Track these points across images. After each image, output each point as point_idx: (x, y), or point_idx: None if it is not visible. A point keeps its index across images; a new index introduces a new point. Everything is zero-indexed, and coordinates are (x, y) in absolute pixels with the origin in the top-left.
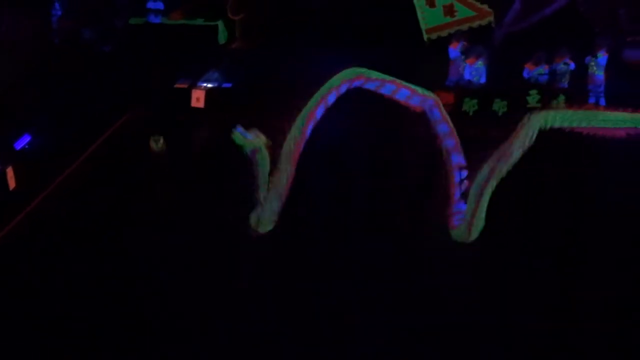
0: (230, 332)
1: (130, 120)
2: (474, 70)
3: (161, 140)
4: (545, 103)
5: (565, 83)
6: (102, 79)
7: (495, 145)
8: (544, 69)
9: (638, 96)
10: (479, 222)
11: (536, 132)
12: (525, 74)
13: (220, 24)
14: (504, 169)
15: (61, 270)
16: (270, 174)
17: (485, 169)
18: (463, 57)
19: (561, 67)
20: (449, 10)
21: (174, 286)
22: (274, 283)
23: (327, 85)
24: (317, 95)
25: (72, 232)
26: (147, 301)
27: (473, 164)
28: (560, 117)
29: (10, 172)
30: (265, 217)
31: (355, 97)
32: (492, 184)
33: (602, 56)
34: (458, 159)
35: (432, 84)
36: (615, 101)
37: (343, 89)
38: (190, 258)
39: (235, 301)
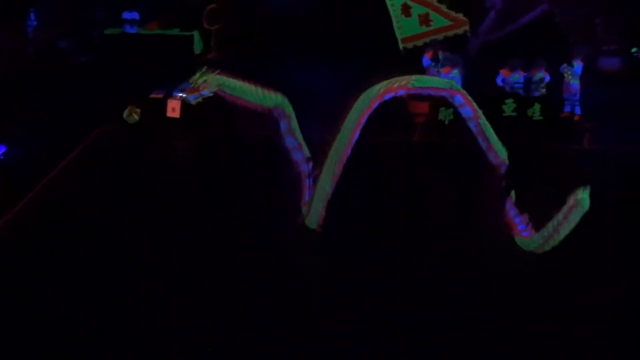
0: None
1: (106, 131)
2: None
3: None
4: (521, 112)
5: (540, 92)
6: (78, 89)
7: (471, 154)
8: (519, 74)
9: (613, 104)
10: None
11: None
12: (499, 80)
13: (196, 34)
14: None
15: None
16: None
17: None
18: (433, 64)
19: (536, 76)
20: (425, 20)
21: (156, 293)
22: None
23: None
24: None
25: (48, 242)
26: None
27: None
28: None
29: None
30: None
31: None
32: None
33: (578, 65)
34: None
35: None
36: (590, 109)
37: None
38: (172, 265)
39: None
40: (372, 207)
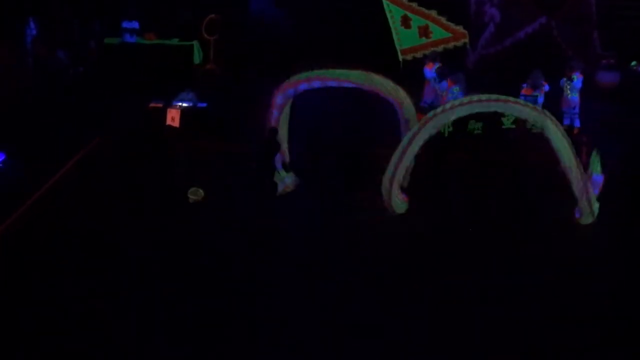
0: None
1: (102, 142)
2: (451, 93)
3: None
4: (520, 124)
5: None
6: (76, 99)
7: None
8: (539, 92)
9: (611, 117)
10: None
11: None
12: (521, 98)
13: (195, 44)
14: None
15: (29, 293)
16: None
17: None
18: (438, 78)
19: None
20: (424, 32)
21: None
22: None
23: None
24: None
25: (44, 252)
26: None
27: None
28: None
29: None
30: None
31: None
32: None
33: (577, 78)
34: None
35: None
36: (588, 122)
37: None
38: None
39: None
40: None
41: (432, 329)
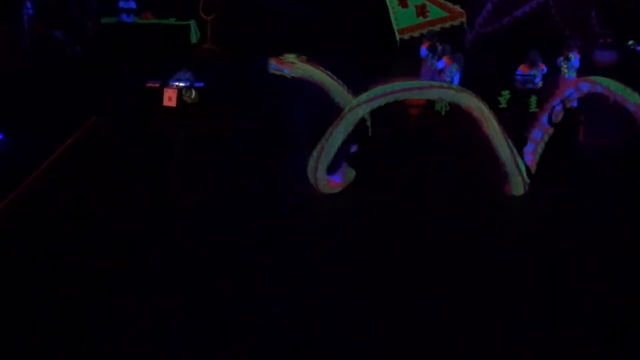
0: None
1: (98, 122)
2: (449, 72)
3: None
4: (518, 103)
5: (536, 84)
6: (73, 79)
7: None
8: (537, 70)
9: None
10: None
11: None
12: (518, 76)
13: (192, 23)
14: None
15: (26, 272)
16: None
17: None
18: (431, 55)
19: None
20: (421, 11)
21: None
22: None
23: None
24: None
25: (38, 233)
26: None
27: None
28: None
29: None
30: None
31: None
32: None
33: (575, 57)
34: None
35: None
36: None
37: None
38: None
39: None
40: None
41: (431, 329)
